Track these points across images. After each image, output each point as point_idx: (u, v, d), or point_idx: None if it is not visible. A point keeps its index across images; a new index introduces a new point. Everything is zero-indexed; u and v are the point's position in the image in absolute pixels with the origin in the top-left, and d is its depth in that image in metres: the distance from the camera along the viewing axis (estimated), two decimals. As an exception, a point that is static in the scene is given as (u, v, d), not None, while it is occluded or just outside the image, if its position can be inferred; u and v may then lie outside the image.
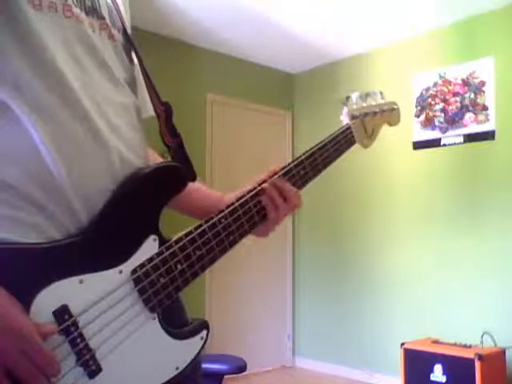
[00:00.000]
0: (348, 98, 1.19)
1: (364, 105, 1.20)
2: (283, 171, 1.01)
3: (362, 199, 4.46)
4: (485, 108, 3.77)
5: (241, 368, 2.13)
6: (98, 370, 0.77)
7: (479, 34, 3.84)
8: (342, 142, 1.11)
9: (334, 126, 1.15)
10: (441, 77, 4.02)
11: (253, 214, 0.97)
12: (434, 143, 4.02)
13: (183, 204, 1.02)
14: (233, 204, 0.95)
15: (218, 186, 4.26)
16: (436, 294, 3.92)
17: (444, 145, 3.97)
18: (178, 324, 0.89)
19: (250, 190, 0.97)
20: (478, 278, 3.71)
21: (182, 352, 0.87)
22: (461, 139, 3.88)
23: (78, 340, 0.76)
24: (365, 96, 1.21)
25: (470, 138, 3.83)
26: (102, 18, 0.90)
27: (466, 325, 3.70)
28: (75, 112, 0.80)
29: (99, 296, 0.78)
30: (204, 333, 0.90)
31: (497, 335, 3.46)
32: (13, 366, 0.68)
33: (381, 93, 1.24)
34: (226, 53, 4.56)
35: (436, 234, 3.96)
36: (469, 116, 3.85)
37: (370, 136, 1.20)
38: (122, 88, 0.91)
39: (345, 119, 1.16)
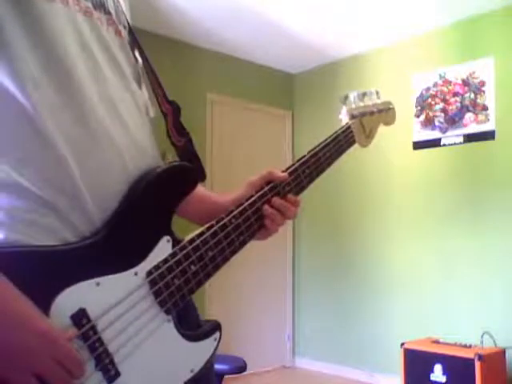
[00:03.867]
0: (346, 97, 1.19)
1: (362, 104, 1.20)
2: (289, 170, 1.01)
3: (362, 199, 4.46)
4: (485, 108, 3.77)
5: (241, 368, 2.13)
6: (117, 374, 0.76)
7: (479, 34, 3.84)
8: (342, 141, 1.11)
9: (334, 126, 1.15)
10: (441, 77, 4.02)
11: (261, 215, 0.96)
12: (434, 143, 4.02)
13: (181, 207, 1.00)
14: (242, 204, 0.93)
15: (217, 185, 4.25)
16: (436, 294, 3.91)
17: (444, 145, 3.97)
18: (191, 325, 0.88)
19: (258, 191, 0.97)
20: (478, 278, 3.71)
21: (197, 354, 0.86)
22: (461, 139, 3.88)
23: (97, 344, 0.73)
24: (362, 95, 1.21)
25: (470, 137, 3.83)
26: (109, 13, 0.88)
27: (466, 325, 3.70)
28: (87, 111, 0.79)
29: (116, 299, 0.76)
30: (217, 334, 0.89)
31: (497, 335, 3.45)
32: (42, 370, 0.66)
33: (377, 92, 1.24)
34: (226, 53, 4.56)
35: (436, 233, 3.96)
36: (469, 116, 3.85)
37: (368, 136, 1.20)
38: (132, 85, 0.90)
39: (344, 118, 1.17)
